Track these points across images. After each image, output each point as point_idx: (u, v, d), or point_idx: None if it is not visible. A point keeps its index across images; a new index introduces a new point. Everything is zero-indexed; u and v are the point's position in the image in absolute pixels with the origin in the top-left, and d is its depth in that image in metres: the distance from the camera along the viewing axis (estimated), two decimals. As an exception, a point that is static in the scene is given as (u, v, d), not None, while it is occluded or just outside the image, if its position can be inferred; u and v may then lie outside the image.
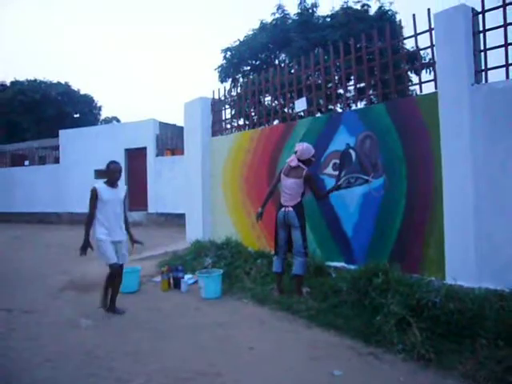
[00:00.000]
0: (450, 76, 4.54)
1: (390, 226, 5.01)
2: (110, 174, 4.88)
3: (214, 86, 26.15)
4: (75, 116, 29.15)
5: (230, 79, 17.10)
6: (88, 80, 53.91)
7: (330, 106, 7.66)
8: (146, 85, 61.47)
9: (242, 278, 5.89)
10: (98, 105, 31.57)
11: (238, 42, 16.95)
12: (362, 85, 6.85)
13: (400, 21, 11.12)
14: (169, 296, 5.70)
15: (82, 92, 30.27)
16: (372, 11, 15.27)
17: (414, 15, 5.07)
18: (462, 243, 4.36)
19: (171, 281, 6.01)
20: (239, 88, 11.09)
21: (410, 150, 4.89)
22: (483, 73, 4.53)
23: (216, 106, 8.34)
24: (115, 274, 4.84)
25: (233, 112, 8.28)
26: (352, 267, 5.13)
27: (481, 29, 4.53)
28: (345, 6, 15.39)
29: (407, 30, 14.33)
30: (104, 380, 3.36)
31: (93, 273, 6.46)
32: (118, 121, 33.43)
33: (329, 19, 15.67)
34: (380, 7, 15.00)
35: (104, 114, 33.54)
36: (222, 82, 17.21)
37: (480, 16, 4.53)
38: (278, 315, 4.72)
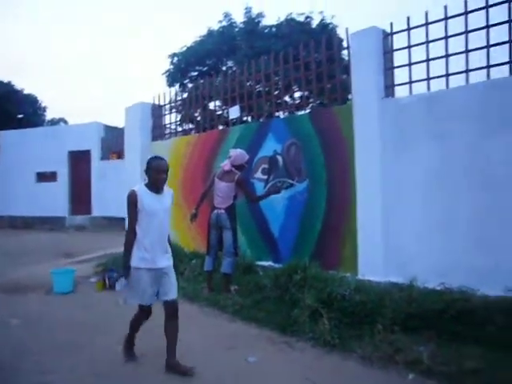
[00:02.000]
0: (362, 90, 5.01)
1: (312, 227, 5.42)
2: (151, 175, 3.39)
3: (162, 91, 26.09)
4: (19, 116, 28.17)
5: (178, 84, 17.28)
6: (33, 80, 52.17)
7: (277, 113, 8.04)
8: (95, 87, 60.28)
9: (178, 280, 6.11)
10: (43, 105, 30.60)
11: (185, 48, 17.15)
12: (307, 93, 7.24)
13: (338, 34, 11.85)
14: (103, 296, 5.84)
15: (25, 92, 29.30)
16: (315, 24, 15.91)
17: (346, 29, 5.48)
18: (371, 243, 4.83)
19: (107, 281, 6.14)
20: (187, 92, 11.32)
21: (330, 157, 5.32)
22: (393, 88, 5.04)
23: (157, 111, 8.53)
24: (147, 315, 3.57)
25: (178, 117, 8.51)
26: (278, 266, 5.49)
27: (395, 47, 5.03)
28: (289, 18, 15.95)
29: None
30: (27, 373, 3.51)
31: (26, 277, 6.50)
32: (65, 122, 32.52)
33: (274, 29, 16.19)
34: (322, 20, 15.66)
35: (51, 115, 32.47)
36: (169, 86, 17.36)
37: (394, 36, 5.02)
38: (206, 311, 5.00)
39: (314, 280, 4.58)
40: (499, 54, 4.30)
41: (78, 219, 13.95)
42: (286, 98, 8.11)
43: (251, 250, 6.15)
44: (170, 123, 8.38)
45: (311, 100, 8.06)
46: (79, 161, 14.19)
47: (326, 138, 5.36)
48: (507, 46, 4.23)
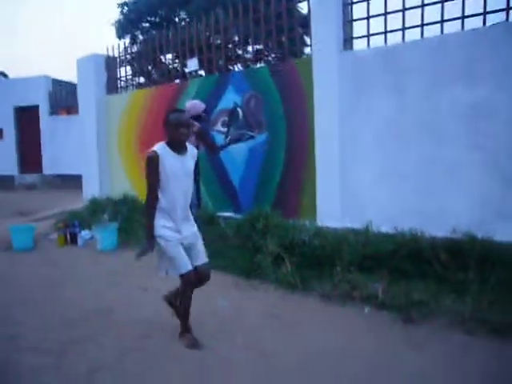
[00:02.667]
0: (322, 42, 5.10)
1: (272, 178, 5.61)
2: (170, 131, 2.97)
3: (111, 42, 24.97)
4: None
5: (129, 35, 16.59)
6: (-33, 29, 48.15)
7: (230, 67, 7.98)
8: (39, 39, 56.47)
9: (137, 231, 6.16)
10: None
11: (135, -3, 16.36)
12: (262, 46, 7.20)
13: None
14: (65, 251, 5.85)
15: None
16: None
17: None
18: (329, 190, 5.07)
19: (68, 236, 6.13)
20: (138, 45, 10.95)
21: (289, 109, 5.45)
22: (352, 41, 5.15)
23: (111, 63, 8.26)
24: (192, 283, 3.10)
25: (131, 70, 8.28)
26: (239, 216, 5.67)
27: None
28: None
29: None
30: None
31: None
32: (5, 76, 30.63)
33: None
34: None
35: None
36: (119, 38, 16.59)
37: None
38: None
39: (276, 228, 4.79)
40: (453, 10, 4.49)
41: (27, 178, 13.47)
42: (241, 52, 8.04)
43: (212, 202, 6.27)
44: (126, 76, 8.16)
45: (267, 53, 8.05)
46: (27, 117, 13.54)
47: (286, 91, 5.46)
48: (460, 2, 4.41)
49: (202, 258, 3.17)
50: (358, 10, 5.10)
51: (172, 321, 3.32)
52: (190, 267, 3.01)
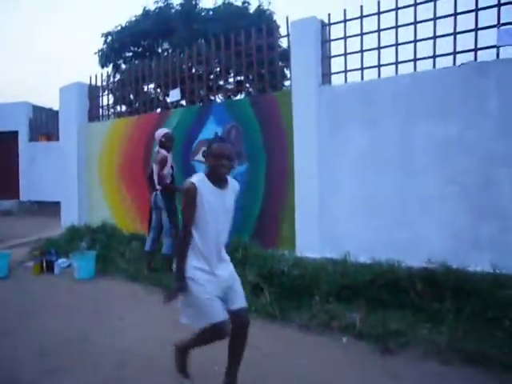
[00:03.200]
0: (301, 77, 5.28)
1: (252, 208, 5.67)
2: (212, 162, 2.65)
3: (94, 71, 25.12)
4: None
5: (112, 64, 16.75)
6: None
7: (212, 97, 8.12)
8: (21, 65, 56.38)
9: (116, 259, 6.12)
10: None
11: (119, 27, 16.62)
12: (243, 78, 7.37)
13: (276, 20, 12.11)
14: (41, 279, 5.74)
15: None
16: (252, 9, 16.04)
17: (287, 17, 5.68)
18: (308, 221, 5.16)
19: (44, 264, 6.02)
20: (121, 74, 11.08)
21: (269, 140, 5.57)
22: (330, 76, 5.34)
23: (93, 91, 8.33)
24: (224, 335, 2.64)
25: (113, 99, 8.35)
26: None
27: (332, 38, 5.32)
28: (226, 2, 15.95)
29: (283, 30, 15.36)
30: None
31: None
32: (-16, 102, 30.36)
33: (211, 12, 16.12)
34: (259, 6, 15.82)
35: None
36: (102, 66, 16.76)
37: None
38: (149, 290, 5.09)
39: (255, 257, 4.83)
40: (425, 49, 4.72)
41: (4, 204, 13.23)
42: (222, 83, 8.21)
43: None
44: (108, 104, 8.22)
45: (248, 85, 8.24)
46: (5, 142, 13.39)
47: (266, 122, 5.59)
48: (431, 41, 4.65)
49: (240, 301, 2.74)
50: (337, 47, 5.32)
51: (147, 351, 3.29)
52: (223, 317, 2.56)
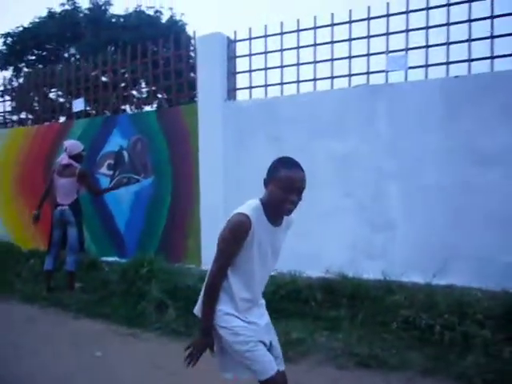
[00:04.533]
0: (207, 91, 5.34)
1: (158, 222, 5.60)
2: (277, 192, 1.93)
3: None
4: None
5: (12, 67, 15.68)
6: None
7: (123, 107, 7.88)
8: None
9: (11, 279, 5.70)
10: None
11: (21, 28, 15.62)
12: (154, 88, 7.24)
13: (187, 32, 12.09)
14: None
15: None
16: (164, 19, 15.91)
17: (194, 32, 5.78)
18: (213, 234, 5.08)
19: None
20: (22, 78, 10.40)
21: (176, 154, 5.55)
22: (235, 91, 5.45)
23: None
24: None
25: (14, 104, 7.79)
26: (124, 261, 5.51)
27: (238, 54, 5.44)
28: (138, 10, 15.68)
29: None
30: None
31: None
32: None
33: (122, 19, 15.73)
34: (171, 16, 15.74)
35: None
36: (1, 69, 15.64)
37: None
38: (48, 311, 4.80)
39: (161, 272, 4.75)
40: (322, 70, 5.01)
41: None
42: (134, 92, 8.05)
43: (96, 246, 6.06)
44: (5, 111, 7.66)
45: (159, 95, 8.15)
46: None
47: (172, 136, 5.57)
48: (329, 63, 4.94)
49: (282, 362, 2.16)
50: (244, 63, 5.44)
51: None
52: (275, 368, 1.99)
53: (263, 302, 2.25)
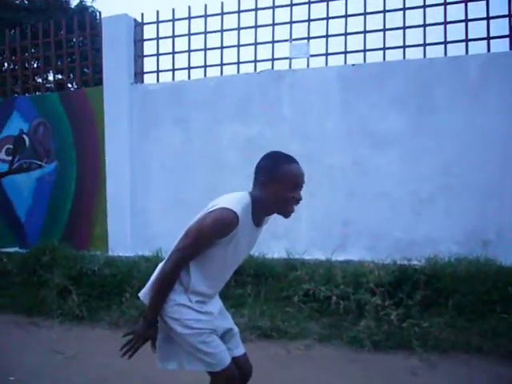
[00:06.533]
0: (113, 74, 5.21)
1: (62, 209, 5.39)
2: (284, 194, 1.74)
3: None
4: None
5: None
6: None
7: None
8: None
9: None
10: None
11: None
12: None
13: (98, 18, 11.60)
14: None
15: None
16: (74, 4, 15.15)
17: (99, 13, 5.70)
18: (120, 220, 5.11)
19: None
20: None
21: (80, 138, 5.36)
22: (143, 75, 5.36)
23: None
24: (235, 380, 1.88)
25: None
26: (26, 251, 5.24)
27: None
28: (44, -8, 14.77)
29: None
30: None
31: None
32: None
33: (26, 1, 14.75)
34: (81, 1, 15.02)
35: None
36: None
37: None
38: None
39: (64, 260, 4.60)
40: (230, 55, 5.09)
41: None
42: (41, 80, 7.58)
43: (-5, 237, 5.68)
44: None
45: (63, 79, 7.74)
46: None
47: (77, 119, 5.37)
48: (236, 49, 5.03)
49: (241, 345, 2.01)
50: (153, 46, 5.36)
51: None
52: (229, 358, 1.84)
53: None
